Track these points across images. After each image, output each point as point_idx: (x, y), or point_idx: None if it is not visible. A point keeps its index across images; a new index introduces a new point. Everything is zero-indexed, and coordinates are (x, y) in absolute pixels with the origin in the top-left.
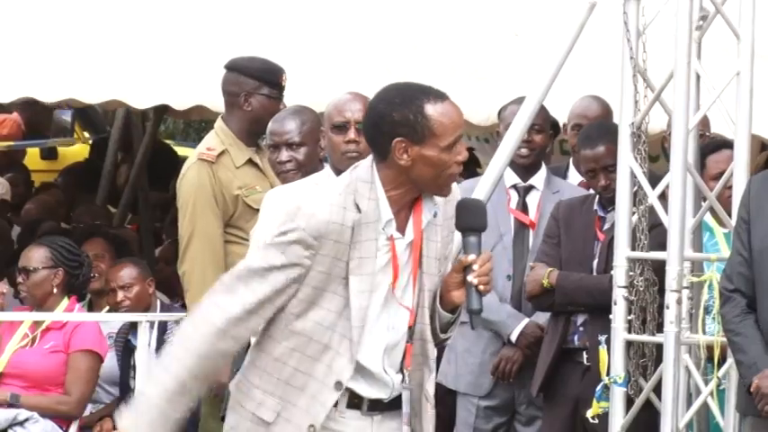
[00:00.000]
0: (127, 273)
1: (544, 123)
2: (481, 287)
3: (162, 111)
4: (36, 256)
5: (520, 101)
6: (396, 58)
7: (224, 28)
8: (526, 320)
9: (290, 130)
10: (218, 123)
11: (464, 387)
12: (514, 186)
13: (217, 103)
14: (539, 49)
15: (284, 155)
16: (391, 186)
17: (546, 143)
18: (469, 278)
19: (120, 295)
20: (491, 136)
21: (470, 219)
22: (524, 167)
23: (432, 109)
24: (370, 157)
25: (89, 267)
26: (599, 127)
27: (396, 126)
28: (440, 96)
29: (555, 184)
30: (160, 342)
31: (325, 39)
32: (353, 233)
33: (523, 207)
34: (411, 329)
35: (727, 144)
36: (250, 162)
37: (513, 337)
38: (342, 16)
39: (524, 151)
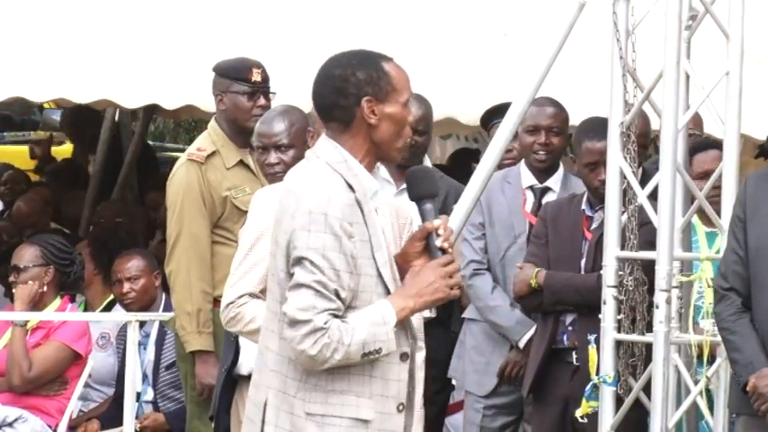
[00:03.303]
0: (134, 264)
1: (562, 126)
2: (446, 245)
3: (151, 110)
4: (27, 255)
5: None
6: None
7: (213, 28)
8: (534, 327)
9: (279, 131)
10: (212, 124)
11: (468, 385)
12: (531, 188)
13: (206, 102)
14: (528, 49)
15: (273, 157)
16: (361, 156)
17: (563, 146)
18: (438, 242)
19: (126, 287)
20: (480, 135)
21: (423, 186)
22: (541, 170)
23: (387, 66)
24: (323, 138)
25: (81, 265)
26: (602, 121)
27: (362, 85)
28: (388, 56)
29: (571, 185)
30: (161, 337)
31: (314, 38)
32: (362, 212)
33: (538, 208)
34: None
35: (715, 145)
36: (241, 163)
37: (522, 344)
38: (330, 16)
39: (542, 155)
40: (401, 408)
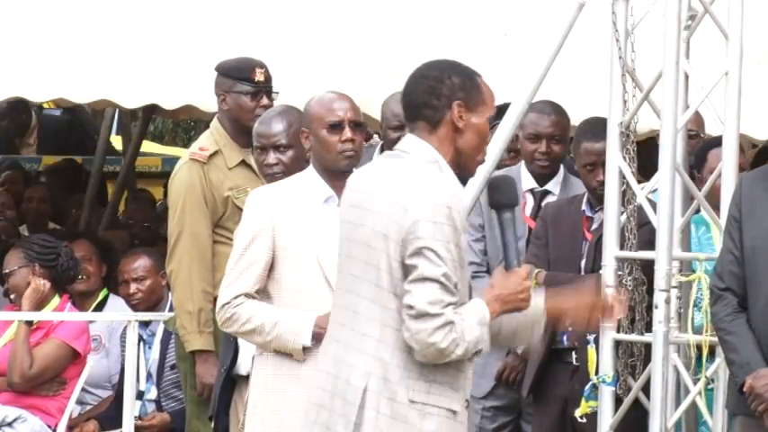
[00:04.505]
0: (141, 264)
1: (563, 133)
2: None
3: (150, 110)
4: (12, 259)
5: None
6: (384, 58)
7: (212, 27)
8: None
9: (278, 132)
10: (214, 123)
11: None
12: (531, 191)
13: (206, 102)
14: (528, 50)
15: (271, 157)
16: (447, 160)
17: (564, 153)
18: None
19: (133, 287)
20: None
21: (504, 195)
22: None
23: (480, 80)
24: (411, 136)
25: (70, 258)
26: (601, 121)
27: (456, 89)
28: (479, 73)
29: (572, 187)
30: (166, 337)
31: (314, 38)
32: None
33: (538, 211)
34: None
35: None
36: (243, 163)
37: (519, 349)
38: (330, 16)
39: (544, 162)
40: (467, 404)
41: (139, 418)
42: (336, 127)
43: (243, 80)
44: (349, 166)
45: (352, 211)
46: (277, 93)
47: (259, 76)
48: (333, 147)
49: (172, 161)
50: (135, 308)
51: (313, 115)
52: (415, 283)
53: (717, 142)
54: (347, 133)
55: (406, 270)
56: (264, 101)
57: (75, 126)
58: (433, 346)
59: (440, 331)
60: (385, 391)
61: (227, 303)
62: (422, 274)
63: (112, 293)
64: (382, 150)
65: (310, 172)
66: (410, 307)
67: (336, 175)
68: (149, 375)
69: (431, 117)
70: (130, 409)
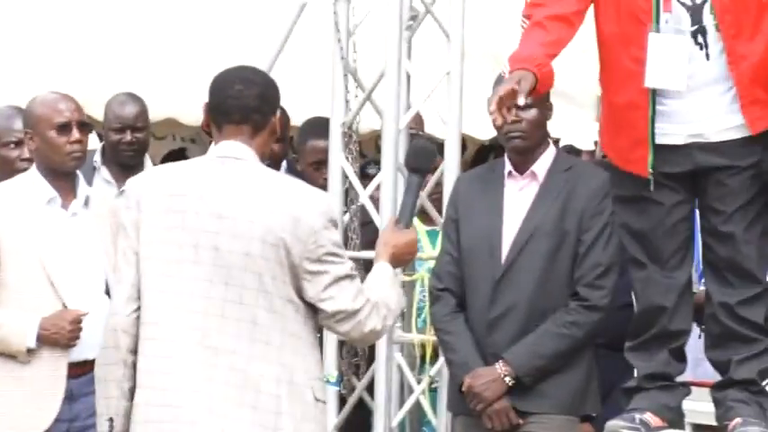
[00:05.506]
0: None
1: (283, 132)
2: None
3: None
4: None
5: None
6: (102, 57)
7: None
8: None
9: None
10: None
11: None
12: None
13: None
14: (251, 49)
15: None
16: None
17: (285, 151)
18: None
19: None
20: (198, 136)
21: (420, 160)
22: None
23: None
24: (236, 143)
25: None
26: (326, 121)
27: (278, 98)
28: None
29: None
30: None
31: (34, 37)
32: None
33: None
34: None
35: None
36: None
37: None
38: (53, 15)
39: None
40: None
41: None
42: (64, 128)
43: None
44: (76, 166)
45: (199, 219)
46: None
47: None
48: (61, 148)
49: None
50: None
51: (39, 116)
52: (331, 288)
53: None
54: (75, 134)
55: (306, 276)
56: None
57: None
58: (371, 332)
59: (370, 318)
60: (294, 394)
61: None
62: (336, 276)
63: None
64: (104, 153)
65: (33, 173)
66: (339, 312)
67: (60, 176)
68: None
69: (257, 122)
70: None
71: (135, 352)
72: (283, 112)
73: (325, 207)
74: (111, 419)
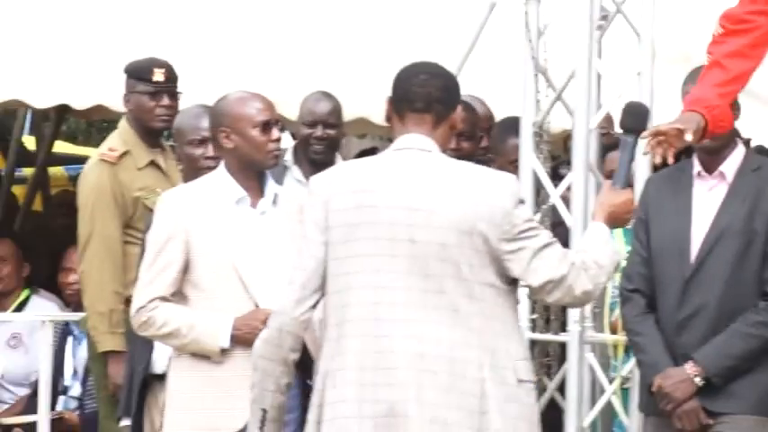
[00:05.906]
0: None
1: (473, 130)
2: None
3: (63, 111)
4: None
5: None
6: (296, 58)
7: (124, 27)
8: None
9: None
10: (122, 123)
11: None
12: None
13: (117, 103)
14: (440, 50)
15: (212, 150)
16: None
17: (474, 150)
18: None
19: (73, 277)
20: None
21: (631, 119)
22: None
23: None
24: (417, 136)
25: None
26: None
27: (459, 93)
28: None
29: None
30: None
31: (225, 38)
32: None
33: None
34: None
35: None
36: (152, 164)
37: None
38: (240, 14)
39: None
40: None
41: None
42: (266, 126)
43: (142, 80)
44: (275, 164)
45: (392, 213)
46: (180, 93)
47: (158, 76)
48: (263, 146)
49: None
50: (72, 296)
51: (239, 114)
52: (534, 261)
53: (614, 146)
54: (275, 132)
55: (507, 257)
56: (165, 101)
57: None
58: (583, 293)
59: (579, 279)
60: (497, 376)
61: (143, 307)
62: (535, 248)
63: (44, 291)
64: (295, 152)
65: (221, 172)
66: (547, 282)
67: (251, 175)
68: (75, 372)
69: (440, 112)
70: (46, 408)
71: (296, 351)
72: (473, 109)
73: (514, 187)
74: (264, 410)
